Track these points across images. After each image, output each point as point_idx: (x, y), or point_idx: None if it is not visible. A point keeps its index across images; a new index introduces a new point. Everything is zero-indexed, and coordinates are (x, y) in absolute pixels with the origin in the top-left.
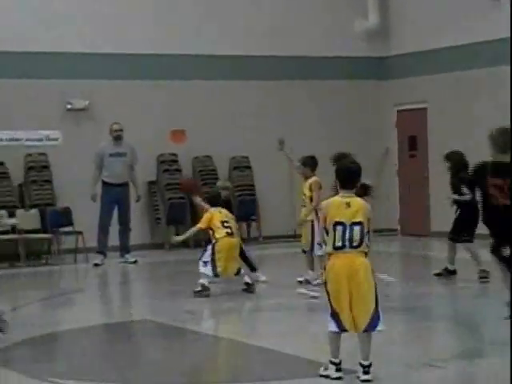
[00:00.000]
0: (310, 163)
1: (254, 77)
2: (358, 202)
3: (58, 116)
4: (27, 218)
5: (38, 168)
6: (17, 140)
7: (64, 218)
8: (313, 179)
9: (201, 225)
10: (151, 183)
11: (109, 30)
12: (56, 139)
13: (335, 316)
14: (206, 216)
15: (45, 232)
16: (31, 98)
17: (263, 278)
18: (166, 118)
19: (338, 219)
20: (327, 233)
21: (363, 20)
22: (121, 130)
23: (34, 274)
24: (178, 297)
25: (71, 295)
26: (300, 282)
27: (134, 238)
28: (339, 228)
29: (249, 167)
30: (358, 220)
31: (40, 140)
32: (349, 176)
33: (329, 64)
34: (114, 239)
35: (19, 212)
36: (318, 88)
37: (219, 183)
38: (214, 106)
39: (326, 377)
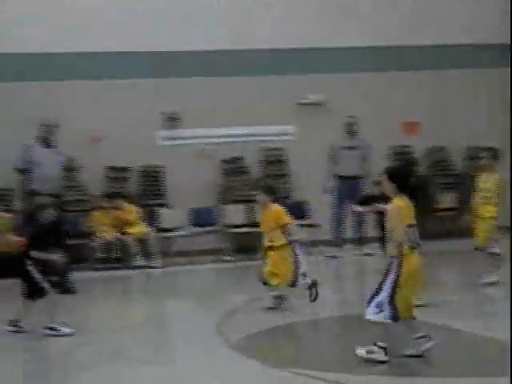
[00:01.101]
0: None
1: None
2: None
3: (293, 111)
4: None
5: (275, 162)
6: (254, 135)
7: (300, 210)
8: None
9: None
10: None
11: (343, 23)
12: (291, 134)
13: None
14: None
15: None
16: (267, 94)
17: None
18: (399, 109)
19: None
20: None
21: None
22: (353, 124)
23: None
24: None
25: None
26: None
27: (370, 230)
28: None
29: None
30: None
31: (276, 135)
32: None
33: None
34: (349, 232)
35: (257, 205)
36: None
37: None
38: (448, 96)
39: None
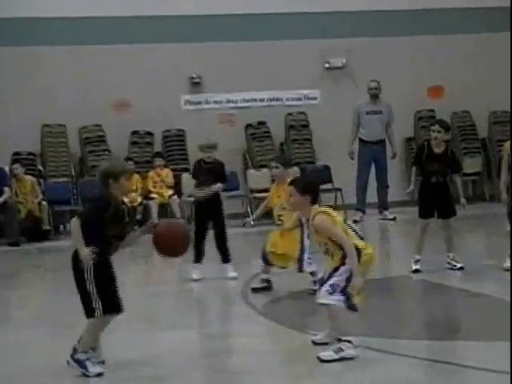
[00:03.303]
0: None
1: None
2: None
3: (316, 75)
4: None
5: (298, 127)
6: (278, 100)
7: (323, 175)
8: None
9: None
10: (409, 140)
11: None
12: (315, 98)
13: None
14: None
15: None
16: (291, 59)
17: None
18: (423, 73)
19: None
20: None
21: None
22: (376, 88)
23: None
24: (439, 253)
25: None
26: None
27: (393, 194)
28: None
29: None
30: None
31: (300, 99)
32: None
33: None
34: (373, 196)
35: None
36: None
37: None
38: (472, 60)
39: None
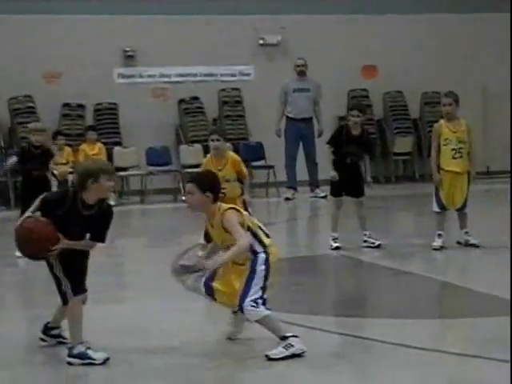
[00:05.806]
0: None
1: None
2: None
3: (250, 51)
4: None
5: (232, 103)
6: (211, 75)
7: (256, 152)
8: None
9: None
10: (341, 118)
11: None
12: (249, 74)
13: None
14: None
15: None
16: (225, 34)
17: None
18: (357, 52)
19: None
20: None
21: None
22: (303, 66)
23: None
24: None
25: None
26: None
27: (324, 173)
28: None
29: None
30: None
31: (233, 75)
32: None
33: None
34: (305, 174)
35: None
36: None
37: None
38: (405, 40)
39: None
